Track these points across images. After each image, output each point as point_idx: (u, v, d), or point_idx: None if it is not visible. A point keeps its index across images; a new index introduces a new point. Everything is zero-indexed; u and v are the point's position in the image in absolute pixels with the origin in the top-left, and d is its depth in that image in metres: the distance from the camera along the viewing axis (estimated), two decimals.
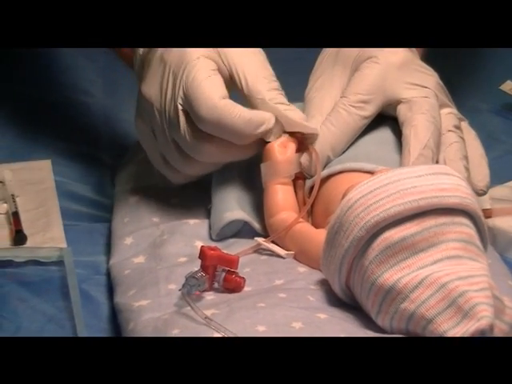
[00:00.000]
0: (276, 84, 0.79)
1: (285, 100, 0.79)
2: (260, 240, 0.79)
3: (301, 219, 0.78)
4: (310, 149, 0.79)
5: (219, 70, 0.78)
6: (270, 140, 0.79)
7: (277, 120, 0.78)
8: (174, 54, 0.78)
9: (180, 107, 0.78)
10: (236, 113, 0.76)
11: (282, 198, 0.79)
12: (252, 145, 0.79)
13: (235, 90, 0.79)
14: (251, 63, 0.79)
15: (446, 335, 0.64)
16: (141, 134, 0.84)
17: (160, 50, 0.80)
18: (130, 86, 0.86)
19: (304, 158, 0.79)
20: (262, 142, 0.79)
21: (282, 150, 0.79)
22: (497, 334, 0.65)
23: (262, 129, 0.77)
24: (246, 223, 0.80)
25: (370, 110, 0.80)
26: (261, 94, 0.78)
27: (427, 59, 0.87)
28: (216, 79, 0.77)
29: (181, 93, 0.77)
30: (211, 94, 0.76)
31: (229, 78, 0.79)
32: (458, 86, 1.06)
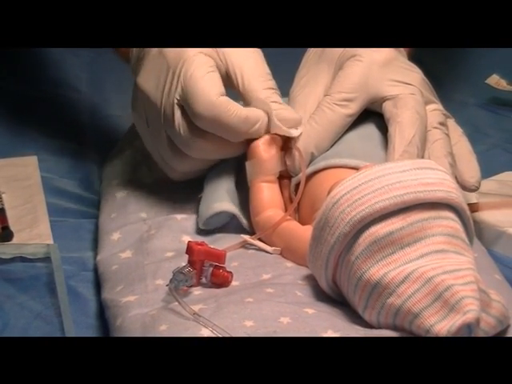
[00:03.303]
0: (271, 83, 0.79)
1: (279, 99, 0.79)
2: (246, 237, 0.79)
3: (287, 216, 0.78)
4: (294, 147, 0.79)
5: (216, 67, 0.78)
6: (259, 137, 0.79)
7: (268, 119, 0.78)
8: (172, 48, 0.78)
9: (176, 102, 0.78)
10: (233, 111, 0.76)
11: (267, 195, 0.79)
12: (244, 142, 0.79)
13: (231, 87, 0.79)
14: (248, 61, 0.79)
15: (432, 329, 0.64)
16: (138, 127, 0.84)
17: None
18: (115, 81, 0.86)
19: (288, 156, 0.80)
20: (249, 140, 0.79)
21: (266, 148, 0.79)
22: (483, 327, 0.65)
23: (256, 127, 0.78)
24: (233, 218, 0.80)
25: (353, 108, 0.80)
26: (256, 92, 0.78)
27: (414, 53, 0.87)
28: (214, 76, 0.77)
29: (178, 88, 0.77)
30: (209, 90, 0.76)
31: (225, 75, 0.79)
32: (445, 81, 1.06)
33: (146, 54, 0.81)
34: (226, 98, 0.77)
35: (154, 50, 0.80)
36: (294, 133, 0.79)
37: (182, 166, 0.81)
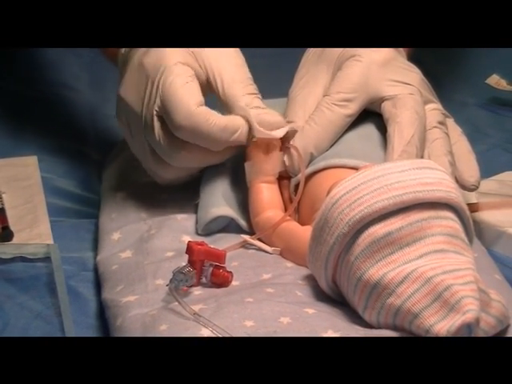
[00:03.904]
0: (252, 87, 0.79)
1: (261, 104, 0.79)
2: (246, 237, 0.79)
3: (287, 217, 0.78)
4: (293, 148, 0.79)
5: (196, 74, 0.78)
6: (244, 144, 0.79)
7: (249, 125, 0.78)
8: (151, 58, 0.79)
9: (155, 113, 0.78)
10: (212, 120, 0.76)
11: (266, 196, 0.79)
12: (225, 150, 0.79)
13: (212, 93, 0.79)
14: (228, 67, 0.79)
15: (432, 329, 0.64)
16: (124, 135, 0.84)
17: (140, 51, 0.80)
18: (115, 81, 0.86)
19: (287, 157, 0.80)
20: (236, 146, 0.79)
21: (265, 149, 0.79)
22: (483, 327, 0.65)
23: (236, 135, 0.78)
24: (232, 220, 0.80)
25: (353, 109, 0.80)
26: (236, 98, 0.78)
27: (413, 53, 0.87)
28: (193, 86, 0.77)
29: (157, 99, 0.77)
30: (188, 101, 0.76)
31: (205, 81, 0.79)
32: (445, 81, 1.06)
33: (128, 61, 0.81)
34: (205, 108, 0.77)
35: (136, 58, 0.80)
36: (276, 134, 0.79)
37: (166, 174, 0.81)
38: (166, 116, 0.77)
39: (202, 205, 0.81)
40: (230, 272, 0.73)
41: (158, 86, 0.77)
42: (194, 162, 0.80)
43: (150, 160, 0.80)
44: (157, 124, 0.78)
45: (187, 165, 0.80)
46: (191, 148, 0.78)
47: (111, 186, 0.88)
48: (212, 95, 0.79)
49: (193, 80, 0.77)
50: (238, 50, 0.80)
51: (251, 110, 0.77)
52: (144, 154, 0.81)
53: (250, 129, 0.78)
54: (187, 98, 0.76)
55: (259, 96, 0.79)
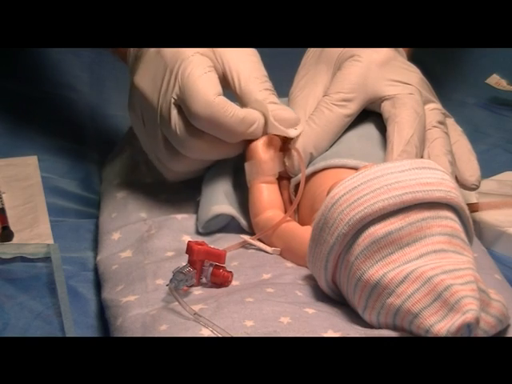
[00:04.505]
0: (268, 84, 0.80)
1: (276, 100, 0.79)
2: (246, 238, 0.79)
3: (287, 217, 0.78)
4: (293, 148, 0.79)
5: (214, 68, 0.78)
6: (256, 138, 0.79)
7: (265, 120, 0.78)
8: (170, 48, 0.79)
9: (173, 101, 0.78)
10: (230, 111, 0.76)
11: (266, 196, 0.79)
12: (240, 143, 0.79)
13: (228, 88, 0.80)
14: (245, 63, 0.79)
15: (432, 329, 0.64)
16: (135, 127, 0.84)
17: None
18: (115, 81, 0.86)
19: (287, 157, 0.80)
20: (246, 141, 0.79)
21: (265, 149, 0.79)
22: (483, 327, 0.65)
23: (253, 128, 0.78)
24: (233, 219, 0.81)
25: (352, 108, 0.80)
26: (253, 93, 0.78)
27: (413, 53, 0.87)
28: (212, 76, 0.78)
29: (176, 87, 0.78)
30: (206, 90, 0.76)
31: (222, 76, 0.79)
32: (445, 81, 1.07)
33: (143, 54, 0.81)
34: (224, 99, 0.77)
35: (152, 50, 0.80)
36: (291, 133, 0.79)
37: (177, 166, 0.81)
38: (183, 105, 0.77)
39: (203, 202, 0.81)
40: (230, 272, 0.74)
41: (176, 75, 0.77)
42: (207, 154, 0.80)
43: (162, 151, 0.80)
44: (173, 112, 0.78)
45: (201, 156, 0.80)
46: (207, 138, 0.78)
47: (111, 185, 0.88)
48: (228, 91, 0.79)
49: (211, 70, 0.78)
50: (254, 49, 0.80)
51: (268, 105, 0.78)
52: (156, 145, 0.81)
53: (266, 124, 0.78)
54: (206, 88, 0.76)
55: (275, 93, 0.80)
